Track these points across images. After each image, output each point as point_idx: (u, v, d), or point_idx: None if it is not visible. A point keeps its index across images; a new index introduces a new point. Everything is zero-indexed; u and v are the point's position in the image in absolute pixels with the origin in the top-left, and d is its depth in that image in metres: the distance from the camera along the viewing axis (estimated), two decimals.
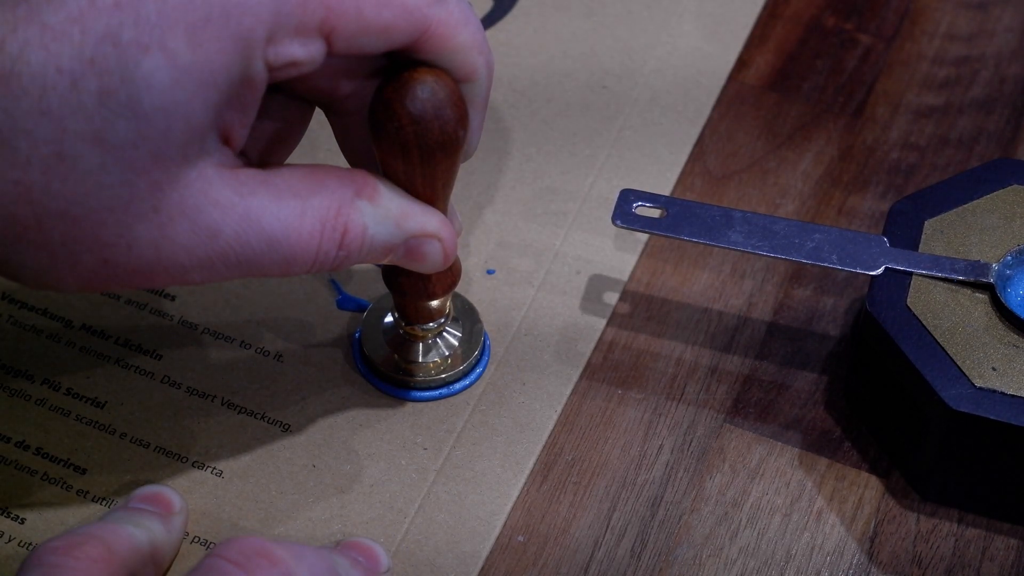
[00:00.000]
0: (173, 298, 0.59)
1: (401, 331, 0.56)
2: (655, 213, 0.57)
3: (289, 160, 0.51)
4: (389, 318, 0.57)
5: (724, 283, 0.60)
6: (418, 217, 0.50)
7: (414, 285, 0.53)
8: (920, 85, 0.67)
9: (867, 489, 0.55)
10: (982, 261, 0.54)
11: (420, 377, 0.56)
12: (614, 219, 0.56)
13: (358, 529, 0.53)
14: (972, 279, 0.54)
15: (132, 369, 0.57)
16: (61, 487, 0.54)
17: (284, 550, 0.46)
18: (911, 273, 0.54)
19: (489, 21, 0.68)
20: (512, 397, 0.57)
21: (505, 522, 0.54)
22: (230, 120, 0.45)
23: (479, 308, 0.58)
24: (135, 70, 0.43)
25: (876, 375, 0.54)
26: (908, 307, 0.53)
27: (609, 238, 0.61)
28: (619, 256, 0.61)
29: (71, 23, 0.43)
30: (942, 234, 0.55)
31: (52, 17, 0.43)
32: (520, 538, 0.54)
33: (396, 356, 0.56)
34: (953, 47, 0.68)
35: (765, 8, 0.69)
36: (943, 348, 0.52)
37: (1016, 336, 0.53)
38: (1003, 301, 0.53)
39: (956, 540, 0.54)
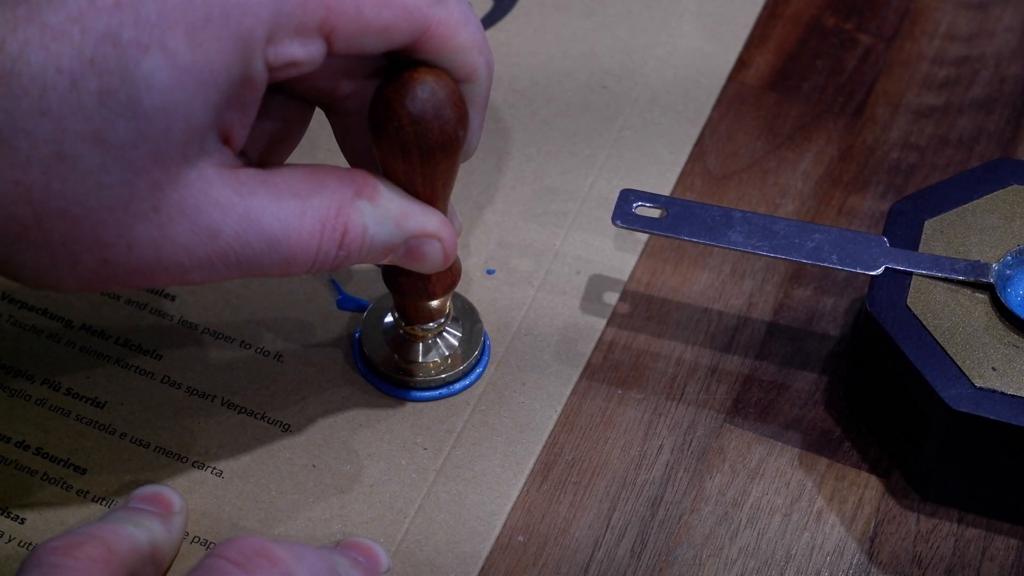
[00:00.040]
0: (173, 298, 0.59)
1: (401, 331, 0.56)
2: (655, 213, 0.57)
3: (289, 160, 0.51)
4: (389, 318, 0.57)
5: (724, 283, 0.60)
6: (418, 217, 0.50)
7: (414, 285, 0.53)
8: (920, 85, 0.67)
9: (867, 489, 0.55)
10: (982, 261, 0.54)
11: (420, 377, 0.56)
12: (614, 219, 0.56)
13: (358, 529, 0.53)
14: (972, 279, 0.54)
15: (132, 369, 0.57)
16: (61, 487, 0.54)
17: (284, 550, 0.46)
18: (911, 273, 0.54)
19: (489, 21, 0.68)
20: (512, 397, 0.57)
21: (505, 522, 0.54)
22: (230, 120, 0.45)
23: (479, 308, 0.58)
24: (135, 70, 0.43)
25: (876, 375, 0.54)
26: (908, 307, 0.53)
27: (609, 238, 0.61)
28: (619, 256, 0.61)
29: (71, 23, 0.43)
30: (942, 234, 0.55)
31: (52, 17, 0.43)
32: (520, 538, 0.54)
33: (396, 356, 0.56)
34: (953, 47, 0.68)
35: (765, 8, 0.69)
36: (943, 348, 0.52)
37: (1016, 336, 0.53)
38: (1003, 301, 0.53)
39: (956, 540, 0.54)
